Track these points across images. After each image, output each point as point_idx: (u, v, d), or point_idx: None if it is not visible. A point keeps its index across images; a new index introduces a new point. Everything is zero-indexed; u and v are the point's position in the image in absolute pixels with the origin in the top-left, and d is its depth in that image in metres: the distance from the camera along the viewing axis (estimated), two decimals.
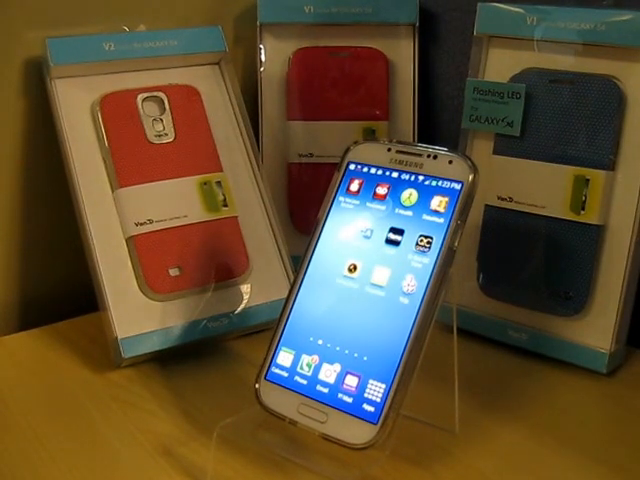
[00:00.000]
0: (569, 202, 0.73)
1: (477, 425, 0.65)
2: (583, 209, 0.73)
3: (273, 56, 0.90)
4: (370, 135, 0.88)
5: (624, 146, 0.72)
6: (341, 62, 0.90)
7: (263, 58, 0.90)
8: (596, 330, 0.73)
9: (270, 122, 0.90)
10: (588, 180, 0.72)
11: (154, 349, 0.73)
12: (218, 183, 0.78)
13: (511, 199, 0.76)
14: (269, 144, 0.90)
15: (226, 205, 0.78)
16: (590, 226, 0.73)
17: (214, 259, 0.77)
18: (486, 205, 0.77)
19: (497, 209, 0.77)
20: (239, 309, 0.76)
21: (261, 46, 0.90)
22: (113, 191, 0.75)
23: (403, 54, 0.90)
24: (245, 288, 0.77)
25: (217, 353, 0.75)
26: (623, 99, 0.71)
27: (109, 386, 0.70)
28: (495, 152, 0.77)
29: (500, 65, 0.77)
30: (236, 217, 0.79)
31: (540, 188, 0.74)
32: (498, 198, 0.76)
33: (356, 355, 0.57)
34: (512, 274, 0.77)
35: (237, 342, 0.77)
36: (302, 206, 0.91)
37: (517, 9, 0.75)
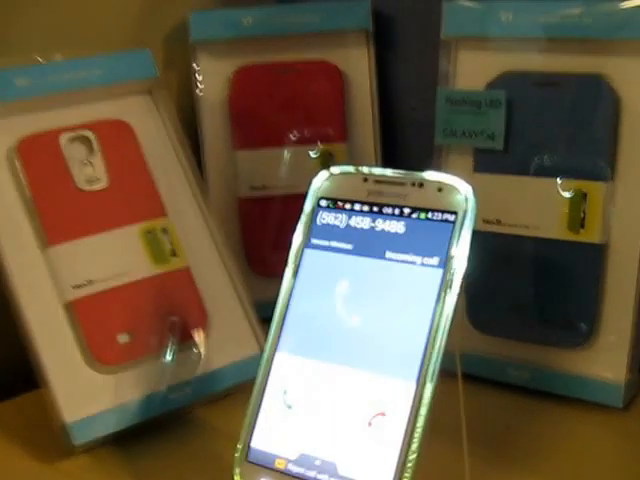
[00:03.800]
0: (566, 220, 0.70)
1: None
2: (582, 227, 0.69)
3: (211, 78, 0.86)
4: (329, 160, 0.84)
5: (622, 153, 0.68)
6: (289, 79, 0.86)
7: (200, 81, 0.86)
8: (606, 360, 0.70)
9: (214, 153, 0.86)
10: (585, 194, 0.69)
11: (110, 431, 0.67)
12: (164, 230, 0.73)
13: (499, 221, 0.72)
14: (215, 179, 0.86)
15: (175, 254, 0.73)
16: (591, 245, 0.69)
17: (167, 319, 0.71)
18: None
19: (484, 234, 0.71)
20: (201, 373, 0.71)
21: (197, 67, 0.86)
22: (43, 250, 0.69)
23: (357, 65, 0.87)
24: (206, 348, 0.72)
25: (182, 426, 0.70)
26: (617, 100, 0.68)
27: (60, 478, 0.65)
28: (476, 170, 0.74)
29: (473, 71, 0.74)
30: (188, 267, 0.74)
31: (531, 207, 0.71)
32: (484, 221, 0.72)
33: None
34: (507, 306, 0.74)
35: (203, 410, 0.71)
36: (259, 246, 0.86)
37: (489, 5, 0.72)
